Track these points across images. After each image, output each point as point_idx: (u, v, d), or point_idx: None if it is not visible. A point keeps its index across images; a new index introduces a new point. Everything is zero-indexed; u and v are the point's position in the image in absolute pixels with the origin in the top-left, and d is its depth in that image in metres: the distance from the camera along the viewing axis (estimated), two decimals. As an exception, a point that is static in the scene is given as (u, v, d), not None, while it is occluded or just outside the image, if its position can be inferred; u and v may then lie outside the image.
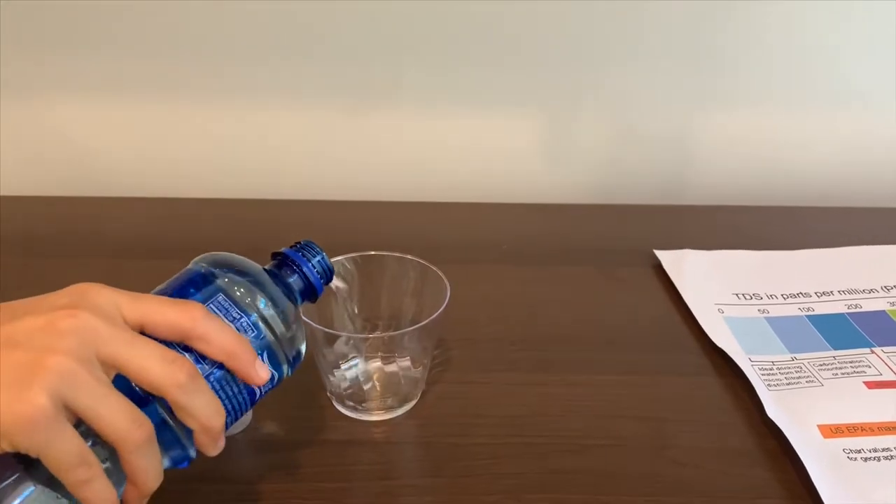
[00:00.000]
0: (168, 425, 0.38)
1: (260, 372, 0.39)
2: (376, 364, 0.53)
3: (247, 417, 0.52)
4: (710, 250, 0.71)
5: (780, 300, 0.65)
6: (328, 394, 0.54)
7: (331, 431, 0.52)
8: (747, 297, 0.66)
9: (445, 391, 0.55)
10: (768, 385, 0.55)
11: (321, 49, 0.78)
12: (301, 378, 0.55)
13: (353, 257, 0.56)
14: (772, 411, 0.52)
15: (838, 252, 0.71)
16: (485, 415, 0.53)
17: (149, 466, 0.36)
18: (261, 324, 0.41)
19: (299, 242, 0.47)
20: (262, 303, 0.42)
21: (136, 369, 0.35)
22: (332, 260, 0.55)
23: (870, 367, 0.57)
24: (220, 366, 0.39)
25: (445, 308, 0.51)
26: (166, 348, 0.36)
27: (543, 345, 0.60)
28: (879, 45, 0.79)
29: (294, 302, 0.45)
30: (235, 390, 0.40)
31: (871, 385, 0.55)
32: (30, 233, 0.74)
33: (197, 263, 0.43)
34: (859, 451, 0.49)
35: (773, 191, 0.86)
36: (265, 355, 0.41)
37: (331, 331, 0.54)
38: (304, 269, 0.46)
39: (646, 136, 0.84)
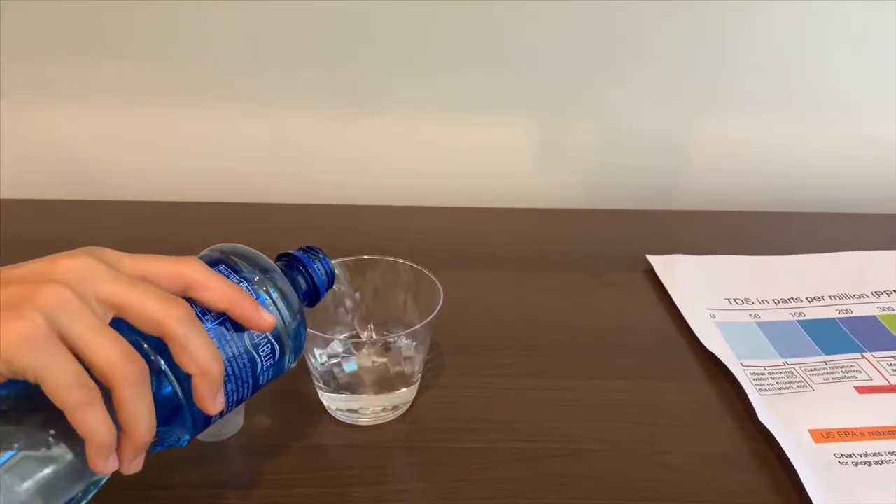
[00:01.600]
0: (168, 382, 0.38)
1: (264, 316, 0.39)
2: (369, 367, 0.53)
3: (238, 422, 0.52)
4: (702, 255, 0.72)
5: (772, 305, 0.65)
6: (320, 399, 0.54)
7: (323, 437, 0.52)
8: (739, 302, 0.66)
9: (438, 396, 0.55)
10: (760, 390, 0.55)
11: (313, 54, 0.78)
12: (293, 383, 0.55)
13: (345, 262, 0.56)
14: (763, 416, 0.52)
15: (829, 257, 0.72)
16: (478, 419, 0.53)
17: (141, 410, 0.35)
18: (263, 293, 0.42)
19: (307, 247, 0.48)
20: (272, 290, 0.42)
21: (134, 305, 0.35)
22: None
23: (860, 372, 0.57)
24: (223, 322, 0.39)
25: (438, 312, 0.51)
26: (164, 291, 0.36)
27: (536, 349, 0.60)
28: (871, 50, 0.79)
29: (299, 299, 0.45)
30: (236, 351, 0.40)
31: (862, 390, 0.55)
32: (24, 236, 0.74)
33: (209, 251, 0.43)
34: (850, 456, 0.50)
35: (765, 196, 0.86)
36: (274, 342, 0.42)
37: (323, 335, 0.54)
38: (310, 270, 0.46)
39: (638, 141, 0.85)
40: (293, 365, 0.45)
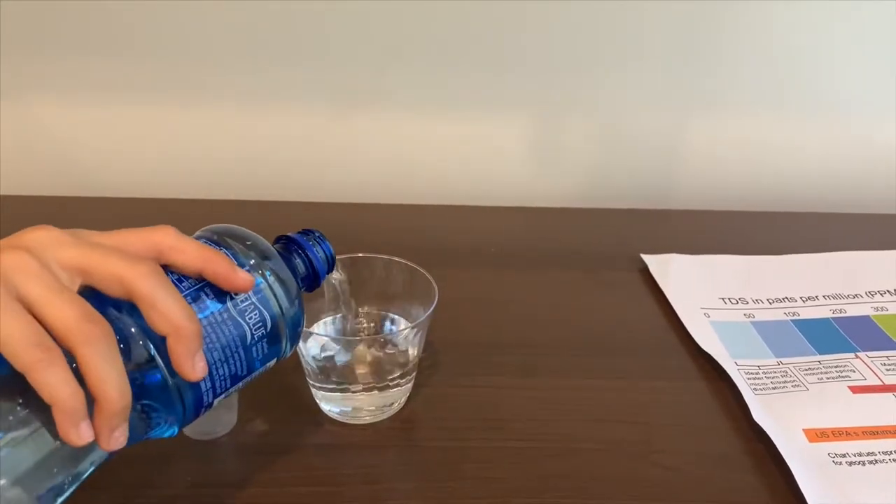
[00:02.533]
0: (146, 351, 0.36)
1: (241, 274, 0.38)
2: (363, 365, 0.53)
3: (231, 420, 0.51)
4: (696, 255, 0.72)
5: (766, 305, 0.65)
6: (314, 397, 0.53)
7: (317, 435, 0.51)
8: (733, 301, 0.66)
9: (433, 395, 0.55)
10: (754, 389, 0.55)
11: (309, 52, 0.78)
12: (287, 382, 0.55)
13: (340, 259, 0.55)
14: (758, 415, 0.52)
15: (824, 257, 0.72)
16: (472, 419, 0.53)
17: (106, 371, 0.32)
18: (262, 282, 0.41)
19: (306, 229, 0.47)
20: (267, 273, 0.41)
21: (97, 266, 0.34)
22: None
23: (854, 371, 0.57)
24: (200, 287, 0.38)
25: (433, 311, 0.51)
26: (131, 254, 0.36)
27: (531, 349, 0.60)
28: (866, 50, 0.80)
29: (297, 284, 0.44)
30: (221, 315, 0.38)
31: (856, 390, 0.55)
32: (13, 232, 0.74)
33: (204, 230, 0.43)
34: (844, 456, 0.50)
35: (759, 196, 0.86)
36: (267, 318, 0.40)
37: (318, 332, 0.54)
38: (310, 253, 0.45)
39: (633, 140, 0.85)
40: (290, 351, 0.44)
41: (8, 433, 0.32)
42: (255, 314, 0.40)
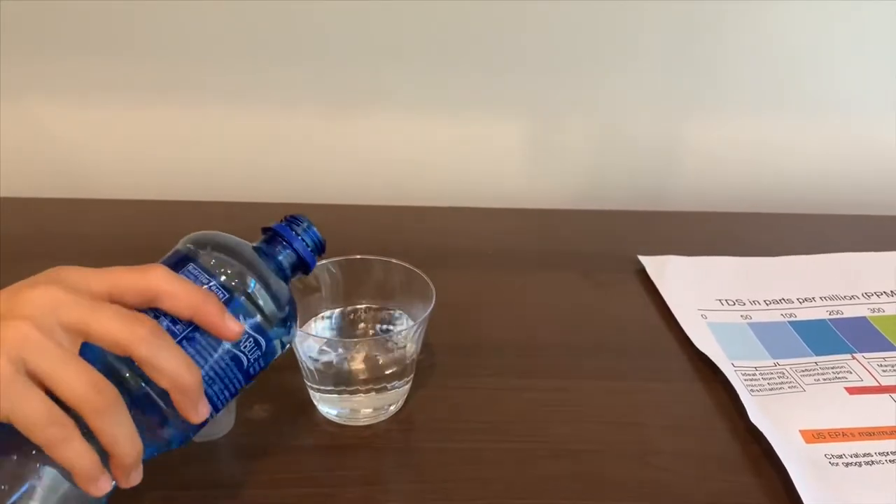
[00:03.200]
0: (147, 396, 0.38)
1: (229, 324, 0.39)
2: (360, 367, 0.53)
3: (229, 422, 0.51)
4: (693, 256, 0.72)
5: (763, 306, 0.66)
6: (312, 399, 0.54)
7: (314, 437, 0.51)
8: (730, 302, 0.66)
9: (430, 396, 0.55)
10: (751, 390, 0.55)
11: (307, 52, 0.78)
12: (284, 383, 0.55)
13: (338, 261, 0.56)
14: (755, 417, 0.52)
15: (820, 259, 0.72)
16: (469, 420, 0.53)
17: (118, 434, 0.35)
18: (236, 291, 0.41)
19: (288, 216, 0.47)
20: (251, 282, 0.42)
21: (98, 329, 0.35)
22: (318, 264, 0.55)
23: (851, 372, 0.57)
24: (194, 328, 0.39)
25: (430, 313, 0.51)
26: (128, 310, 0.37)
27: (528, 350, 0.60)
28: (866, 51, 0.80)
29: (285, 277, 0.45)
30: (216, 354, 0.40)
31: (853, 391, 0.55)
32: (21, 234, 0.73)
33: (184, 243, 0.44)
34: (841, 457, 0.50)
35: (756, 197, 0.86)
36: (241, 317, 0.41)
37: (315, 335, 0.54)
38: (295, 245, 0.46)
39: (631, 141, 0.85)
40: (287, 347, 0.45)
41: (33, 481, 0.35)
42: (250, 341, 0.42)
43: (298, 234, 0.47)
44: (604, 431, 0.53)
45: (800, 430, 0.52)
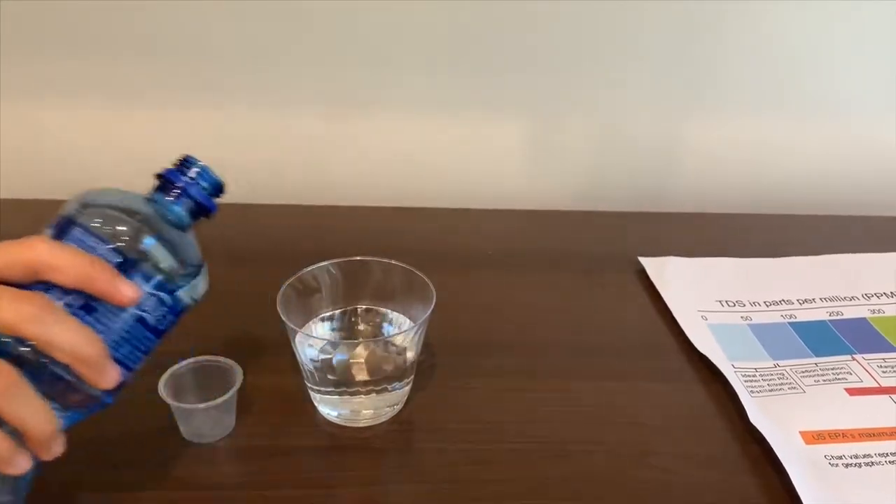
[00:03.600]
0: (48, 369, 0.37)
1: (123, 289, 0.38)
2: (361, 368, 0.53)
3: (230, 423, 0.51)
4: (693, 257, 0.72)
5: (763, 307, 0.66)
6: (312, 400, 0.54)
7: (314, 438, 0.51)
8: (730, 303, 0.66)
9: (430, 397, 0.55)
10: (751, 391, 0.55)
11: (307, 54, 0.78)
12: (285, 385, 0.55)
13: (337, 262, 0.56)
14: (755, 418, 0.52)
15: (821, 260, 0.72)
16: (470, 420, 0.53)
17: (23, 413, 0.35)
18: (127, 251, 0.39)
19: (183, 160, 0.45)
20: (140, 235, 0.40)
21: None
22: (318, 265, 0.55)
23: (851, 373, 0.57)
24: (88, 297, 0.38)
25: (430, 314, 0.51)
26: (14, 289, 0.36)
27: (528, 351, 0.60)
28: (866, 52, 0.80)
29: (184, 225, 0.43)
30: (117, 319, 0.39)
31: (853, 392, 0.55)
32: (15, 236, 0.73)
33: (69, 205, 0.41)
34: (840, 458, 0.50)
35: (756, 198, 0.86)
36: (136, 277, 0.39)
37: (315, 336, 0.54)
38: (190, 190, 0.44)
39: (631, 142, 0.85)
40: (201, 293, 0.43)
41: None
42: (152, 300, 0.40)
43: (193, 179, 0.44)
44: (604, 432, 0.53)
45: (800, 431, 0.52)
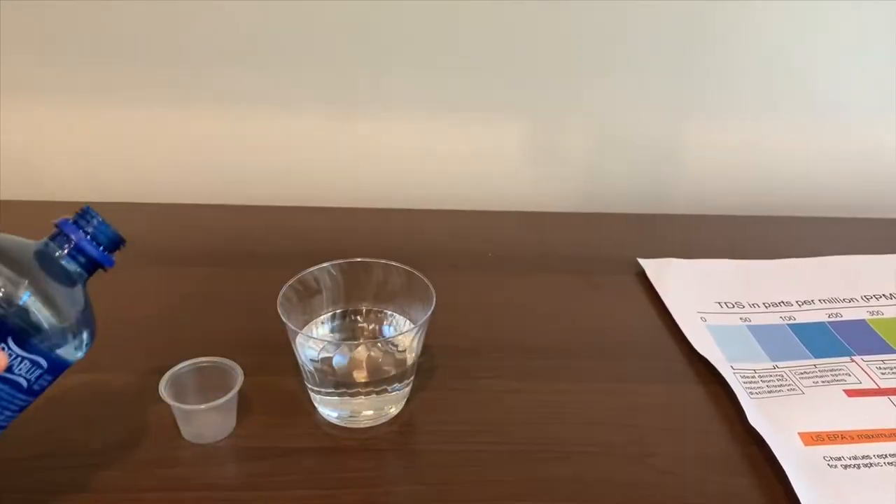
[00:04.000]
0: None
1: None
2: (361, 369, 0.53)
3: (230, 425, 0.51)
4: (693, 259, 0.72)
5: (762, 309, 0.66)
6: (312, 402, 0.54)
7: (314, 439, 0.51)
8: (730, 305, 0.66)
9: (430, 398, 0.55)
10: (750, 393, 0.56)
11: (307, 55, 0.78)
12: (285, 385, 0.55)
13: (338, 264, 0.56)
14: (753, 419, 0.52)
15: (820, 261, 0.72)
16: (469, 422, 0.53)
17: None
18: (3, 310, 0.38)
19: (80, 212, 0.42)
20: (20, 291, 0.38)
21: None
22: (319, 267, 0.55)
23: (850, 375, 0.57)
24: None
25: (431, 315, 0.51)
26: None
27: (528, 352, 0.60)
28: (864, 55, 0.80)
29: (73, 280, 0.41)
30: None
31: (851, 393, 0.56)
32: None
33: None
34: (839, 459, 0.50)
35: (755, 200, 0.87)
36: (9, 340, 0.38)
37: (316, 336, 0.54)
38: (80, 246, 0.41)
39: (631, 145, 0.85)
40: (85, 350, 0.41)
41: None
42: (25, 363, 0.39)
43: (88, 233, 0.42)
44: (603, 433, 0.53)
45: (798, 433, 0.52)
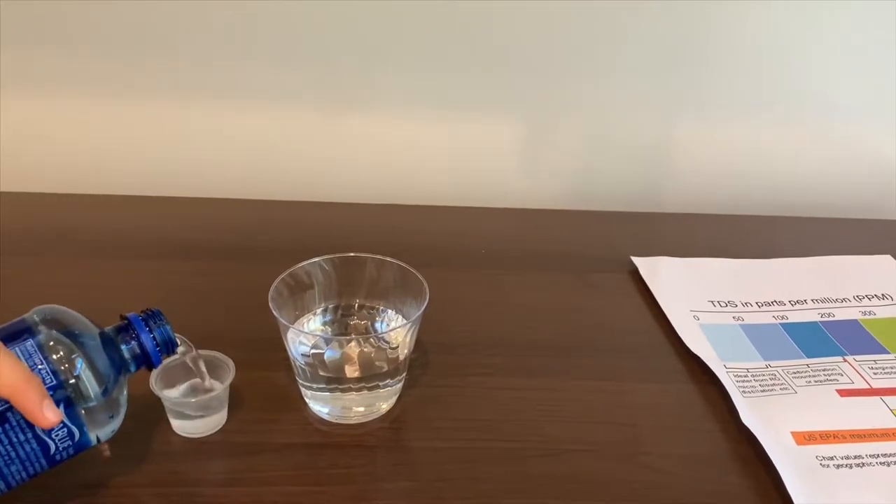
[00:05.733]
0: None
1: (47, 413, 0.39)
2: (353, 364, 0.53)
3: (221, 419, 0.51)
4: (686, 258, 0.72)
5: (755, 308, 0.66)
6: (303, 397, 0.53)
7: (305, 435, 0.51)
8: (722, 304, 0.66)
9: (422, 395, 0.55)
10: (743, 392, 0.56)
11: (300, 52, 0.78)
12: (276, 380, 0.55)
13: (331, 258, 0.55)
14: (746, 418, 0.52)
15: (813, 261, 0.72)
16: (461, 419, 0.53)
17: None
18: (65, 377, 0.41)
19: (148, 310, 0.47)
20: (79, 362, 0.42)
21: None
22: (311, 261, 0.55)
23: (842, 375, 0.58)
24: (10, 407, 0.39)
25: (424, 311, 0.51)
26: None
27: (520, 350, 0.60)
28: (856, 56, 0.80)
29: (123, 369, 0.45)
30: (23, 437, 0.41)
31: (844, 393, 0.56)
32: (15, 230, 0.73)
33: (31, 314, 0.43)
34: (832, 458, 0.50)
35: (749, 199, 0.87)
36: (61, 405, 0.41)
37: (307, 331, 0.54)
38: (142, 338, 0.45)
39: (623, 143, 0.85)
40: (106, 436, 0.45)
41: None
42: (63, 430, 0.42)
43: (150, 329, 0.46)
44: (595, 431, 0.53)
45: (791, 432, 0.52)
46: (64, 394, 0.41)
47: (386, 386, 0.52)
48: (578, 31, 0.78)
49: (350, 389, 0.52)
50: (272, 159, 0.84)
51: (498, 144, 0.84)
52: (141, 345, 0.45)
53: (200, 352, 0.51)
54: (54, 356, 0.41)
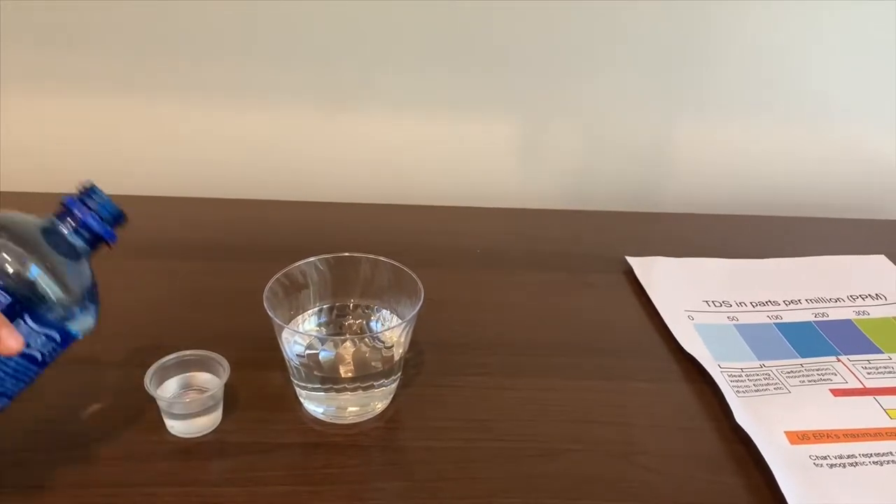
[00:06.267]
0: None
1: (8, 342, 0.39)
2: (348, 364, 0.53)
3: (216, 419, 0.51)
4: (680, 258, 0.72)
5: (749, 308, 0.66)
6: (298, 397, 0.53)
7: (300, 435, 0.51)
8: (717, 304, 0.66)
9: (417, 394, 0.55)
10: (737, 391, 0.56)
11: (298, 52, 0.78)
12: (270, 380, 0.55)
13: (326, 258, 0.55)
14: (740, 417, 0.52)
15: (807, 261, 0.72)
16: (457, 419, 0.53)
17: None
18: (19, 288, 0.40)
19: (83, 187, 0.45)
20: (31, 268, 0.40)
21: None
22: (306, 261, 0.55)
23: (836, 374, 0.58)
24: None
25: (419, 311, 0.51)
26: None
27: (515, 349, 0.60)
28: (853, 57, 0.80)
29: (79, 256, 0.43)
30: (6, 358, 0.40)
31: (837, 393, 0.56)
32: None
33: None
34: (825, 458, 0.50)
35: (743, 200, 0.87)
36: (26, 317, 0.40)
37: (302, 331, 0.54)
38: (86, 220, 0.44)
39: (619, 143, 0.85)
40: (92, 323, 0.43)
41: None
42: (40, 339, 0.41)
43: (90, 207, 0.44)
44: (590, 431, 0.53)
45: (785, 432, 0.52)
46: (23, 304, 0.40)
47: (381, 386, 0.52)
48: (578, 31, 0.78)
49: (345, 389, 0.52)
50: (271, 159, 0.84)
51: (494, 144, 0.84)
52: (87, 226, 0.43)
53: (195, 351, 0.51)
54: (2, 268, 0.39)
